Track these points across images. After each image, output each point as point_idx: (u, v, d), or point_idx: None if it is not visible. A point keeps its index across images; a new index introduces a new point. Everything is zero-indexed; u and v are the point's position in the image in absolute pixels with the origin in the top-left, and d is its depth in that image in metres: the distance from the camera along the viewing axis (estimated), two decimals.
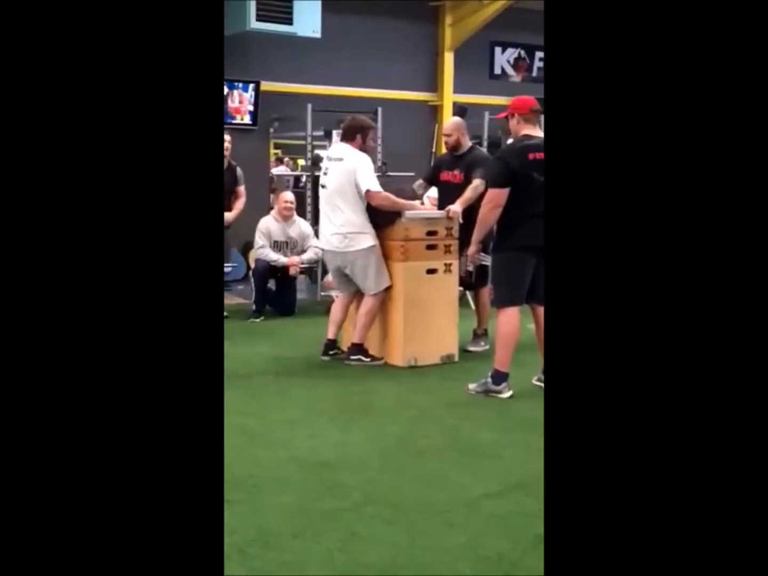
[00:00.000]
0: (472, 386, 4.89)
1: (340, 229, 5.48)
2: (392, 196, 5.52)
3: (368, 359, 5.54)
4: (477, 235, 4.94)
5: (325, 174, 5.61)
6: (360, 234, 5.46)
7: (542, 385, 4.82)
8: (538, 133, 4.83)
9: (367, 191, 5.39)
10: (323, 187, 5.62)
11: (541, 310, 4.85)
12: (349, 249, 5.47)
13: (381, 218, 5.52)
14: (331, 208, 5.54)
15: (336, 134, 10.44)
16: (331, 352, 5.71)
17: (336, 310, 5.78)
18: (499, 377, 4.80)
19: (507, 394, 4.79)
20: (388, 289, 5.53)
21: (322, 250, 5.83)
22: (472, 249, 5.03)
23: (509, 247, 4.73)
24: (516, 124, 4.87)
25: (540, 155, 4.63)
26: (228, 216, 7.02)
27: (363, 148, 5.57)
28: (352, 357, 5.53)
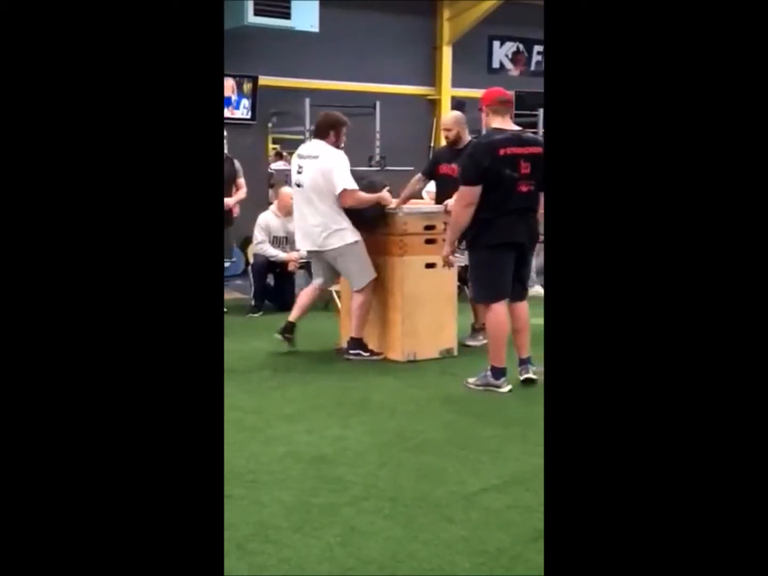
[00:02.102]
0: (471, 380, 4.89)
1: (318, 228, 5.45)
2: (364, 195, 5.45)
3: (367, 353, 5.53)
4: (451, 235, 4.89)
5: (299, 172, 5.54)
6: (339, 231, 5.43)
7: (530, 376, 4.85)
8: (509, 125, 4.78)
9: (343, 191, 5.33)
10: (299, 185, 5.55)
11: (515, 306, 4.84)
12: (328, 247, 5.45)
13: (366, 213, 5.50)
14: (308, 206, 5.49)
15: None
16: (286, 334, 5.69)
17: (304, 294, 5.77)
18: (497, 372, 4.79)
19: (506, 389, 4.79)
20: (377, 279, 5.53)
21: (306, 251, 5.80)
22: (446, 249, 4.95)
23: (483, 245, 4.70)
24: (486, 117, 4.84)
25: (512, 150, 4.59)
26: (228, 201, 7.01)
27: (336, 145, 5.52)
28: (351, 351, 5.52)
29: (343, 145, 5.59)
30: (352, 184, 5.37)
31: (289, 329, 5.70)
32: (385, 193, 5.60)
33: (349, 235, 5.45)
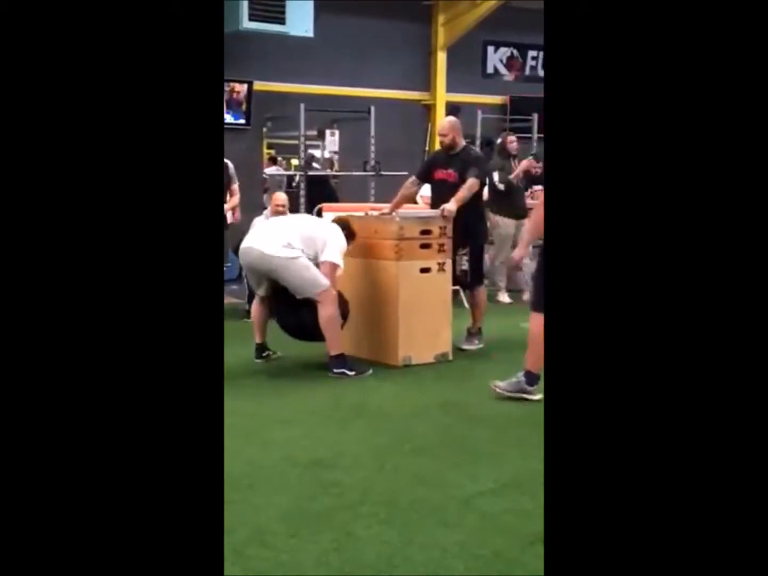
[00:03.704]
0: (501, 385, 4.65)
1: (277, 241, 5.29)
2: (340, 272, 5.38)
3: (353, 373, 5.22)
4: (529, 238, 5.04)
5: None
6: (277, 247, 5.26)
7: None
8: None
9: (323, 262, 5.26)
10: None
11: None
12: (273, 254, 5.25)
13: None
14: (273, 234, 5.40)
15: (329, 133, 10.49)
16: (264, 354, 5.64)
17: (255, 313, 5.64)
18: (532, 378, 4.58)
19: (537, 397, 4.52)
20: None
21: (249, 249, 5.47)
22: (520, 252, 5.09)
23: None
24: None
25: None
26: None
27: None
28: (336, 371, 5.23)
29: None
30: (339, 259, 5.32)
31: (261, 349, 5.65)
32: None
33: (292, 252, 5.25)
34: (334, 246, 5.31)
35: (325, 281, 5.20)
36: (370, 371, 5.32)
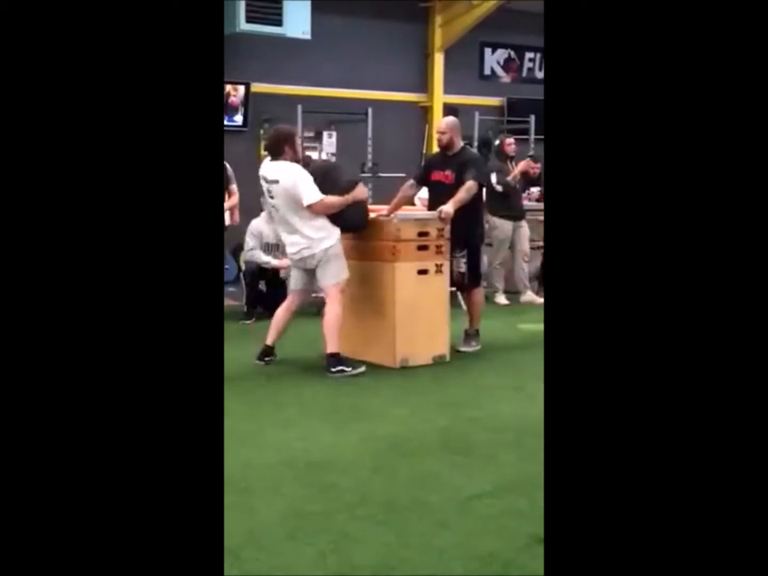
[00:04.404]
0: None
1: (302, 242, 5.40)
2: (331, 199, 5.35)
3: (349, 369, 5.34)
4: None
5: (271, 197, 5.46)
6: (320, 240, 5.37)
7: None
8: None
9: (309, 206, 5.29)
10: (276, 209, 5.49)
11: None
12: (311, 252, 5.39)
13: (348, 217, 5.45)
14: (286, 227, 5.46)
15: (326, 135, 10.49)
16: (266, 358, 5.62)
17: (280, 315, 5.65)
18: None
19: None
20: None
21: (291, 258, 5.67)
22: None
23: None
24: None
25: None
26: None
27: (295, 158, 5.45)
28: (333, 370, 5.32)
29: (300, 155, 5.53)
30: (316, 195, 5.28)
31: (267, 353, 5.63)
32: (358, 189, 5.53)
33: (328, 240, 5.39)
34: (302, 186, 5.29)
35: (340, 278, 5.35)
36: (363, 368, 5.39)
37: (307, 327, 6.13)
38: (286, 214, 5.41)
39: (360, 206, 5.55)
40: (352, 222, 5.50)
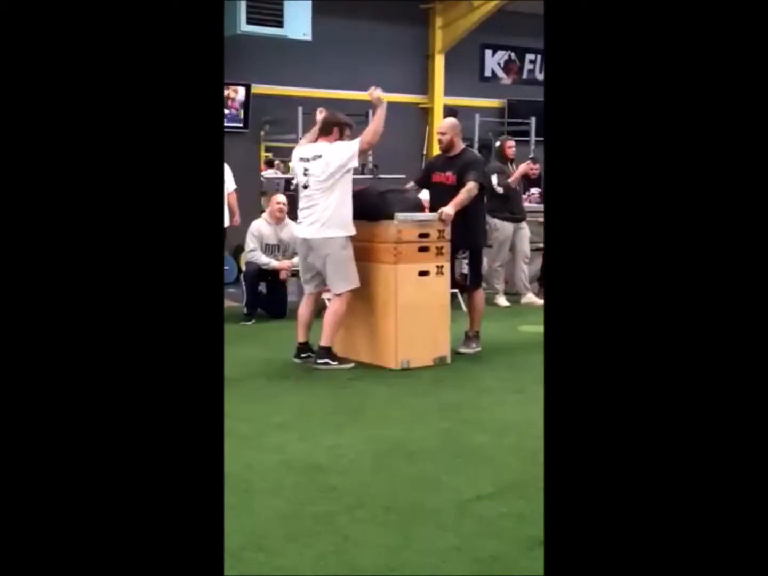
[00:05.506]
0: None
1: (319, 219, 5.43)
2: (371, 127, 5.51)
3: (335, 362, 5.48)
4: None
5: (305, 174, 5.52)
6: (336, 227, 5.43)
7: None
8: None
9: (360, 149, 5.44)
10: (305, 187, 5.54)
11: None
12: (320, 236, 5.43)
13: (371, 211, 5.54)
14: (311, 204, 5.49)
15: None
16: (303, 355, 5.68)
17: (302, 312, 5.75)
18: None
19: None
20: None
21: (299, 239, 5.71)
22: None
23: None
24: None
25: None
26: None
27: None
28: (320, 361, 5.49)
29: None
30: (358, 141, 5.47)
31: (303, 349, 5.71)
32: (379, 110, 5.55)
33: (343, 231, 5.43)
34: (345, 147, 5.45)
35: (349, 286, 5.47)
36: (352, 364, 5.51)
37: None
38: (314, 193, 5.47)
39: (379, 197, 5.72)
40: (369, 205, 5.62)
